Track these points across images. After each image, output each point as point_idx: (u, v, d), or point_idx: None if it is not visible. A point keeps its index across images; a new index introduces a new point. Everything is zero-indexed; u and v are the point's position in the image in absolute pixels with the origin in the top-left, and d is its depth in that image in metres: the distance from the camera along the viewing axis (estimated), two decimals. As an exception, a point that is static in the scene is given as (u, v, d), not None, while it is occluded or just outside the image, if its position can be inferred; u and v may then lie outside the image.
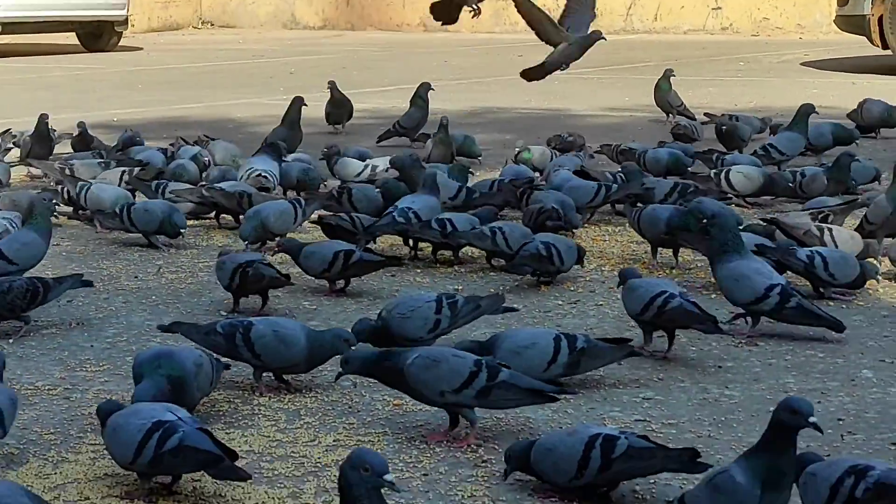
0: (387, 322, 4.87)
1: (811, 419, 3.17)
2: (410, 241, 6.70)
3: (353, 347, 4.55)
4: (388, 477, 2.85)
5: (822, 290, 5.82)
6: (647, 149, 8.76)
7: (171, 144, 9.44)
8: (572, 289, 6.08)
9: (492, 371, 4.11)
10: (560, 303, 5.86)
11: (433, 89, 10.92)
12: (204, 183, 8.15)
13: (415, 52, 21.64)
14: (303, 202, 7.00)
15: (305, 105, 9.95)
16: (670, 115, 11.89)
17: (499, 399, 4.12)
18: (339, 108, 11.49)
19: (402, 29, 26.89)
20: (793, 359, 5.02)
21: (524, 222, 6.82)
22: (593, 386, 4.68)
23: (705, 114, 11.11)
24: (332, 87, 11.39)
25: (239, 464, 3.96)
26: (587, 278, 6.27)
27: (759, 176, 7.91)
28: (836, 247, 6.09)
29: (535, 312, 5.70)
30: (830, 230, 6.31)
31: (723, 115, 10.97)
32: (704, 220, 5.40)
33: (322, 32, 27.15)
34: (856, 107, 10.84)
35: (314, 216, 6.97)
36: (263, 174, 8.03)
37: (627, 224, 7.20)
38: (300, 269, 6.05)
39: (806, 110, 8.82)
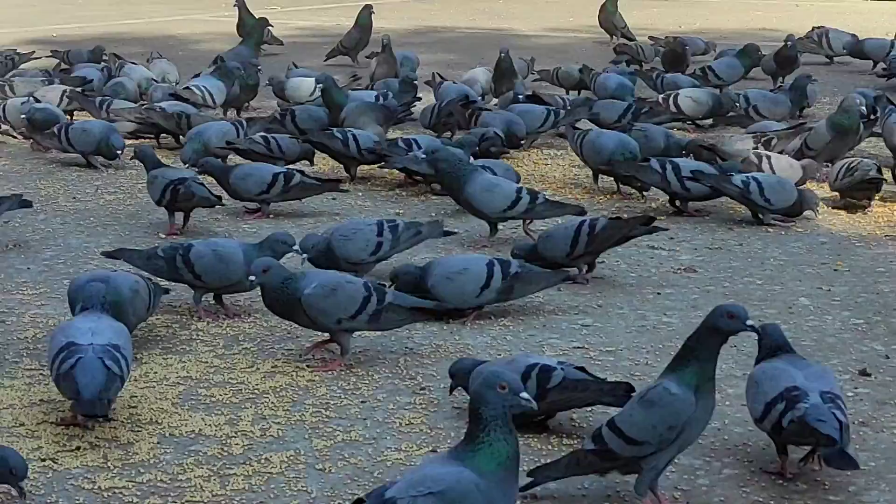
0: (329, 243, 4.86)
1: (748, 322, 3.18)
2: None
3: (294, 247, 4.54)
4: (524, 395, 2.76)
5: (760, 216, 5.83)
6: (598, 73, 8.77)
7: (104, 60, 9.33)
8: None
9: (379, 294, 4.18)
10: (500, 227, 5.83)
11: (374, 12, 10.90)
12: (144, 102, 8.07)
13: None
14: (245, 123, 6.95)
15: (271, 26, 9.97)
16: (614, 36, 11.87)
17: (387, 321, 4.20)
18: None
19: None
20: (731, 286, 5.03)
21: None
22: (532, 312, 4.68)
23: (650, 37, 11.08)
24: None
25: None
26: (528, 202, 6.26)
27: (708, 99, 7.92)
28: (774, 173, 6.12)
29: (476, 238, 5.69)
30: (769, 157, 6.33)
31: (667, 37, 10.97)
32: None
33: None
34: (813, 35, 10.79)
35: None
36: (191, 87, 7.97)
37: (569, 148, 7.21)
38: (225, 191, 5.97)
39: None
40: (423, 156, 5.34)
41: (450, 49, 11.67)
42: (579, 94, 8.68)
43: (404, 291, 4.42)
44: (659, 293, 4.94)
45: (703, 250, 5.49)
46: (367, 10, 10.90)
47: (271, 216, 5.96)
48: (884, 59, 10.30)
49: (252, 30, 10.38)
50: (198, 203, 5.65)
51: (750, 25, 13.09)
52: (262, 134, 6.77)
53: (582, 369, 3.69)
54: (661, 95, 8.07)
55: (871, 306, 4.76)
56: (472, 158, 6.12)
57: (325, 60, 10.54)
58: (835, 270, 5.21)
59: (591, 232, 4.95)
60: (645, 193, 6.29)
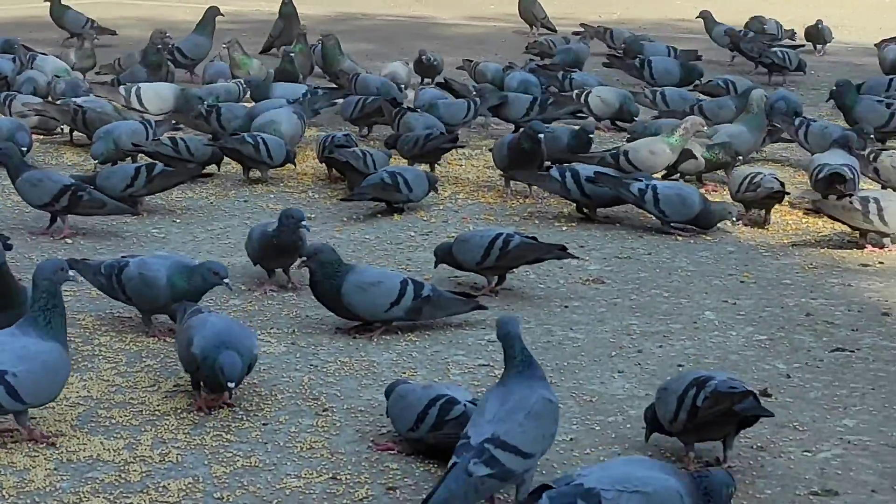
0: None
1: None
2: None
3: (225, 280, 4.46)
4: None
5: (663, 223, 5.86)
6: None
7: (14, 51, 9.19)
8: (425, 219, 6.06)
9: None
10: (412, 234, 5.84)
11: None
12: (51, 98, 7.96)
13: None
14: (153, 122, 6.89)
15: (221, 15, 9.85)
16: (534, 26, 11.87)
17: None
18: None
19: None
20: (638, 298, 5.05)
21: (405, 149, 6.76)
22: (439, 328, 4.67)
23: (581, 24, 11.04)
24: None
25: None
26: (441, 207, 6.26)
27: (615, 100, 7.93)
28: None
29: (387, 245, 5.67)
30: None
31: (598, 27, 10.95)
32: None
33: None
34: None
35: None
36: (121, 89, 7.85)
37: (484, 149, 7.22)
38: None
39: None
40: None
41: (368, 38, 11.62)
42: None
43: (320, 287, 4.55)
44: (566, 306, 4.95)
45: (612, 260, 5.51)
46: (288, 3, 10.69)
47: (182, 222, 5.93)
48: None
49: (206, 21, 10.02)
50: (109, 211, 5.63)
51: (669, 16, 13.14)
52: (170, 135, 6.71)
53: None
54: (576, 92, 8.08)
55: (775, 321, 4.80)
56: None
57: (261, 52, 10.43)
58: (741, 282, 5.25)
59: (504, 248, 4.96)
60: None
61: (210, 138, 6.68)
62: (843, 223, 5.66)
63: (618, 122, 7.95)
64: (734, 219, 5.82)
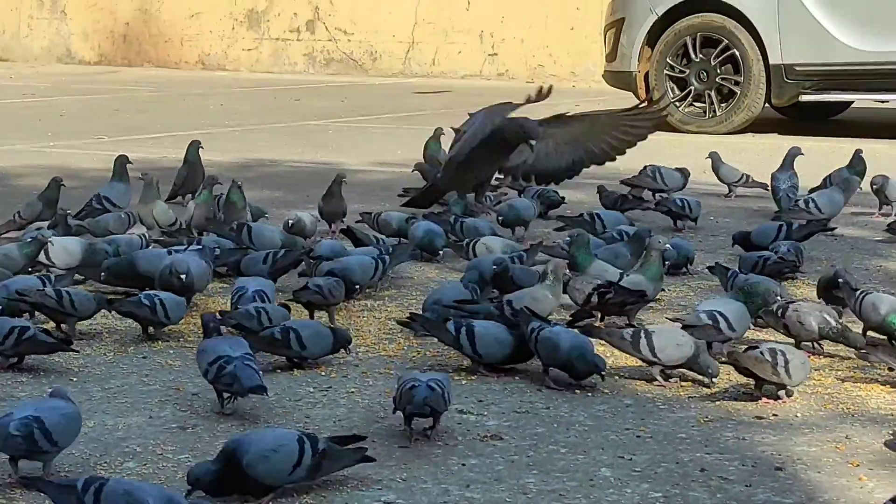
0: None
1: None
2: None
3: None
4: None
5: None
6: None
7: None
8: (324, 374, 6.06)
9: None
10: (311, 390, 5.83)
11: (203, 147, 10.77)
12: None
13: (192, 93, 21.41)
14: (51, 279, 6.89)
15: (130, 163, 9.75)
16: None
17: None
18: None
19: (180, 66, 26.58)
20: (535, 455, 5.07)
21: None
22: (335, 487, 4.65)
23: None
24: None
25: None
26: (341, 361, 6.25)
27: (502, 251, 7.97)
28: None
29: (286, 401, 5.66)
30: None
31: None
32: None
33: (98, 68, 26.68)
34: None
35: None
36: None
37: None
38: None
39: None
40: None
41: (275, 185, 11.68)
42: (399, 241, 8.63)
43: (209, 481, 4.40)
44: (464, 464, 4.95)
45: (511, 414, 5.53)
46: (194, 145, 10.66)
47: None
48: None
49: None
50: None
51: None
52: (57, 288, 6.63)
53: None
54: (465, 240, 8.16)
55: (670, 477, 4.84)
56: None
57: (167, 200, 10.26)
58: (637, 437, 5.29)
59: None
60: None
61: (107, 300, 6.62)
62: (751, 375, 5.70)
63: None
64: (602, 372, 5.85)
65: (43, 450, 4.58)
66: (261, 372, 5.41)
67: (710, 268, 7.30)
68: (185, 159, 10.66)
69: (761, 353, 5.66)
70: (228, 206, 9.03)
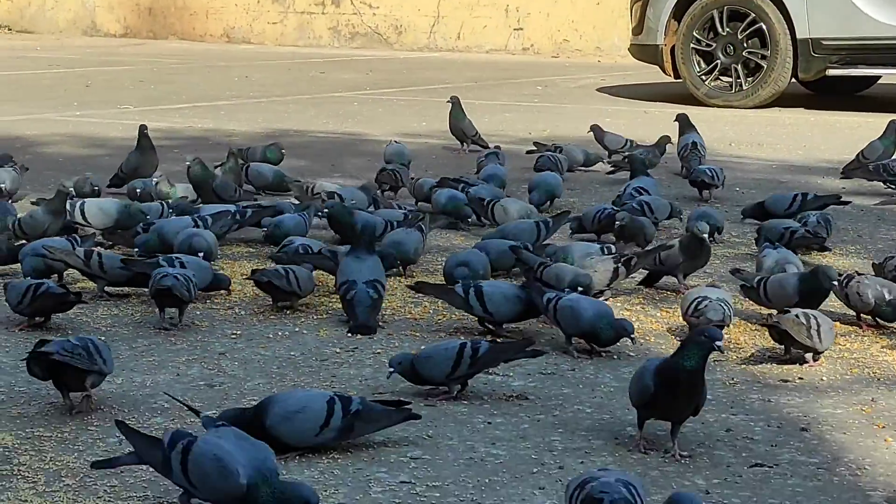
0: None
1: None
2: None
3: None
4: None
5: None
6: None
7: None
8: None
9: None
10: (337, 350, 5.85)
11: (147, 131, 9.73)
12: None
13: (216, 65, 21.44)
14: (79, 240, 6.91)
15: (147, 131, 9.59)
16: (465, 143, 11.99)
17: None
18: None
19: (204, 39, 26.62)
20: (561, 414, 5.08)
21: None
22: (362, 445, 4.67)
23: (535, 143, 11.13)
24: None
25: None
26: (368, 324, 6.27)
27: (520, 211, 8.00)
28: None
29: (312, 361, 5.68)
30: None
31: (553, 144, 10.99)
32: None
33: (123, 41, 26.74)
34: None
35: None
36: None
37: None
38: None
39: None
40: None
41: (301, 154, 11.68)
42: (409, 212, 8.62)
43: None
44: (489, 422, 4.97)
45: (536, 375, 5.54)
46: (143, 130, 9.71)
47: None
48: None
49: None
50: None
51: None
52: (88, 249, 6.64)
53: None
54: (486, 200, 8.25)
55: (695, 437, 4.84)
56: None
57: (109, 187, 9.41)
58: (663, 398, 5.28)
59: (474, 356, 5.10)
60: None
61: (122, 261, 6.59)
62: (783, 340, 5.67)
63: None
64: (632, 336, 5.83)
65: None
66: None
67: (731, 271, 7.07)
68: (137, 145, 9.69)
69: (796, 315, 5.65)
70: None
